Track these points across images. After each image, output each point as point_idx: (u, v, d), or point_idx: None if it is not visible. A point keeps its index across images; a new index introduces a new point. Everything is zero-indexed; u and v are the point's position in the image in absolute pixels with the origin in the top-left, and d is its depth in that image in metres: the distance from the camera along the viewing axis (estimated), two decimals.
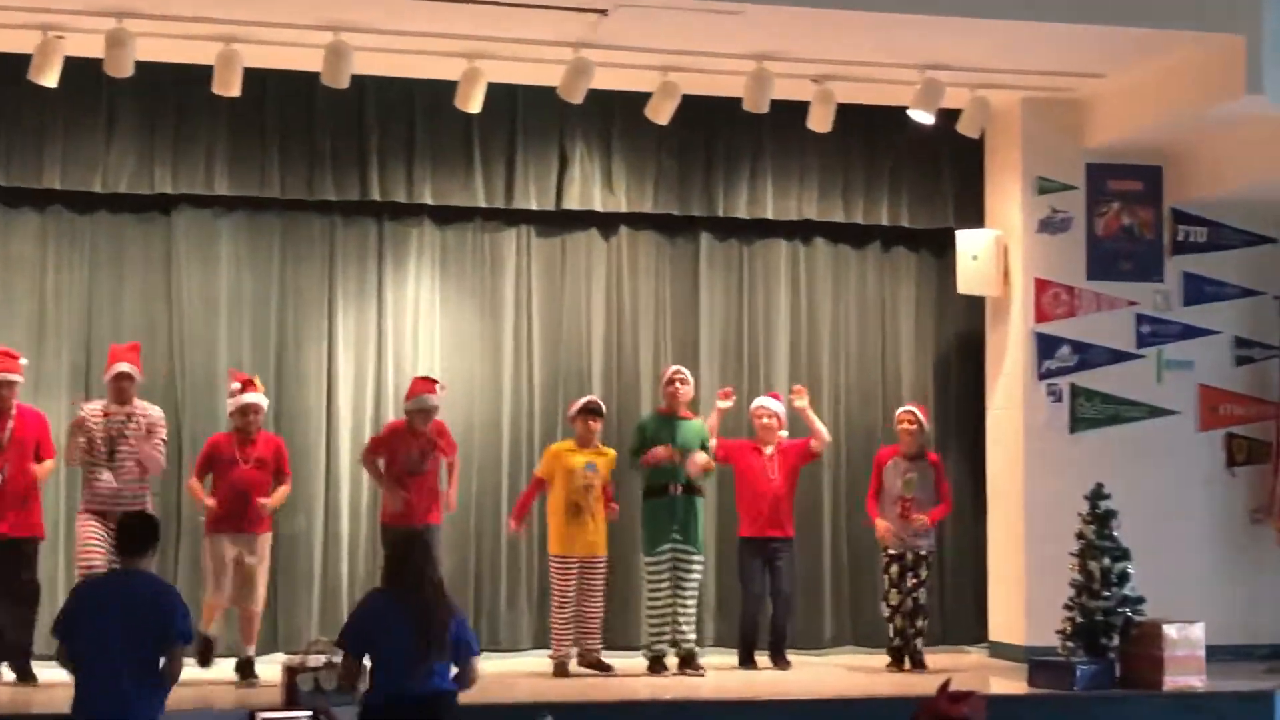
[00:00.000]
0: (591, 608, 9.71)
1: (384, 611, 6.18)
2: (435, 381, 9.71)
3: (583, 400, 9.94)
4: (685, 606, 9.66)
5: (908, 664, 10.19)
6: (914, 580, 10.23)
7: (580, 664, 9.68)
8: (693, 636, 9.72)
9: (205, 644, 9.03)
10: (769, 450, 10.26)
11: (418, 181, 10.71)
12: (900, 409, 10.45)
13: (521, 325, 11.15)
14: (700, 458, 9.79)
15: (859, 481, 11.23)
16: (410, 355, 10.90)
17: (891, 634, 10.29)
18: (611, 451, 9.93)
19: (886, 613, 10.26)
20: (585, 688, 9.18)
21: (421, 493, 9.40)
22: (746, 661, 10.18)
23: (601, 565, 9.73)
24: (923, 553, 10.27)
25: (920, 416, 10.28)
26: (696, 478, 9.79)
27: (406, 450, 9.38)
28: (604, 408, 10.01)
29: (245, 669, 9.20)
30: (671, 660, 9.72)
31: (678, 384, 9.81)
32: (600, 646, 9.82)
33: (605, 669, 9.66)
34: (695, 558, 9.72)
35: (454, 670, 6.28)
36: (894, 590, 10.24)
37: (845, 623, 11.42)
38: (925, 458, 10.31)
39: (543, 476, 9.79)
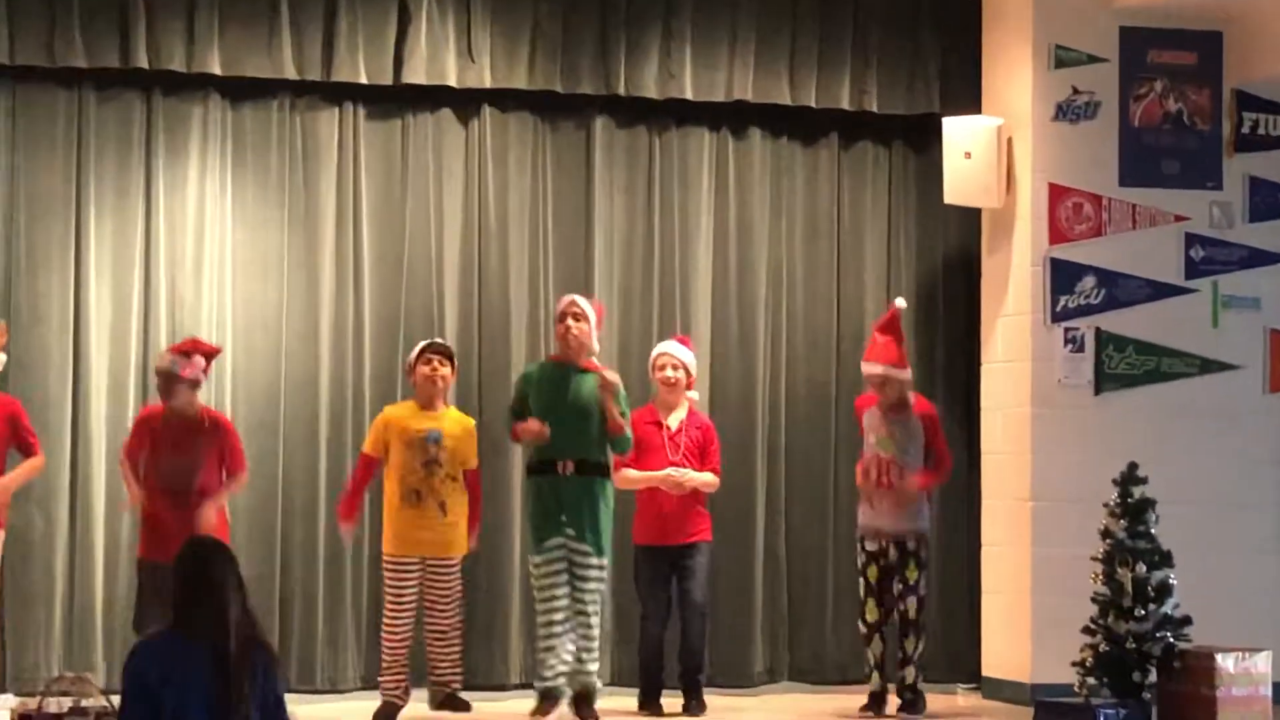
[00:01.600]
0: (442, 624, 9.79)
1: (171, 658, 5.95)
2: (199, 344, 9.77)
3: (423, 343, 9.99)
4: (586, 624, 9.76)
5: (892, 708, 10.25)
6: (900, 586, 10.26)
7: (431, 705, 9.78)
8: (593, 668, 9.81)
9: None
10: (673, 420, 10.32)
11: (201, 44, 10.81)
12: (864, 365, 10.53)
13: (345, 241, 11.21)
14: (612, 379, 9.79)
15: (802, 459, 11.60)
16: (190, 282, 10.94)
17: (870, 663, 10.35)
18: (466, 419, 10.03)
19: (864, 631, 10.35)
20: None
21: (184, 512, 9.33)
22: (649, 703, 10.27)
23: (453, 570, 9.81)
24: (910, 545, 10.29)
25: (887, 372, 10.34)
26: (609, 394, 9.71)
27: (167, 451, 9.42)
28: (451, 350, 10.08)
29: None
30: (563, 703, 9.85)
31: (570, 321, 9.83)
32: (458, 678, 9.92)
33: (461, 707, 9.77)
34: (593, 560, 9.74)
35: None
36: (871, 601, 10.29)
37: (781, 652, 11.62)
38: (910, 408, 10.36)
39: (372, 454, 9.86)
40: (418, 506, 9.70)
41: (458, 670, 9.90)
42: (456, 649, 9.87)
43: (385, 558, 9.86)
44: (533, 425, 9.65)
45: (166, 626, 5.97)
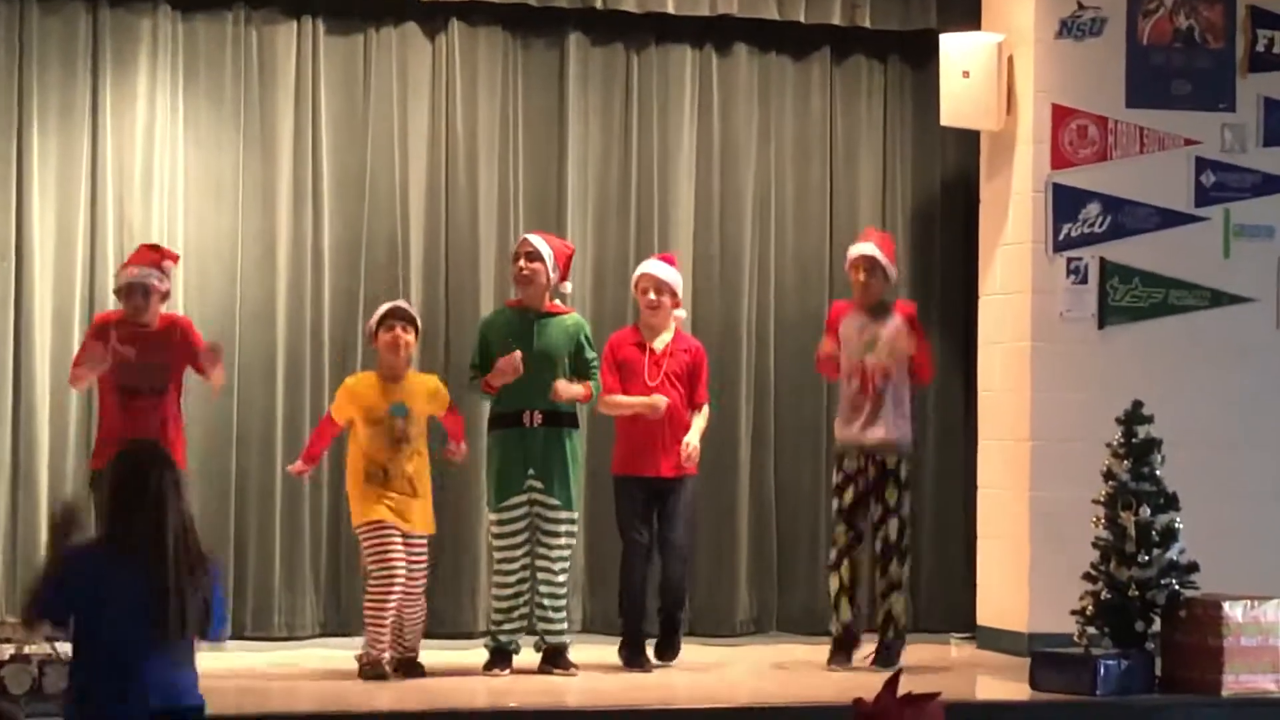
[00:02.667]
0: (412, 596, 9.79)
1: (99, 575, 5.94)
2: (162, 251, 9.77)
3: (384, 307, 9.90)
4: (552, 582, 9.84)
5: (862, 658, 10.13)
6: (880, 509, 10.16)
7: (391, 668, 9.77)
8: (563, 624, 9.94)
9: None
10: (658, 342, 10.21)
11: None
12: (852, 248, 10.44)
13: (304, 162, 11.15)
14: (571, 389, 9.82)
15: (791, 394, 11.59)
16: (139, 206, 10.88)
17: (836, 607, 10.21)
18: (428, 379, 10.03)
19: (830, 560, 10.29)
20: (401, 693, 9.37)
21: (148, 421, 9.32)
22: (633, 655, 10.10)
23: (424, 548, 9.83)
24: (891, 464, 10.17)
25: (879, 256, 10.28)
26: (568, 402, 9.88)
27: (124, 356, 9.45)
28: (414, 314, 9.99)
29: None
30: (531, 654, 9.96)
31: (523, 260, 9.85)
32: (416, 646, 9.95)
33: (419, 673, 9.81)
34: (563, 515, 9.84)
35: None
36: (841, 527, 10.20)
37: (768, 600, 11.61)
38: (893, 311, 10.30)
39: (339, 420, 9.91)
40: (385, 484, 9.67)
41: (419, 638, 9.91)
42: (422, 620, 9.90)
43: (361, 527, 9.73)
44: (504, 363, 9.63)
45: (99, 538, 6.02)
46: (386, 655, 9.64)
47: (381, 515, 9.60)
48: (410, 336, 9.75)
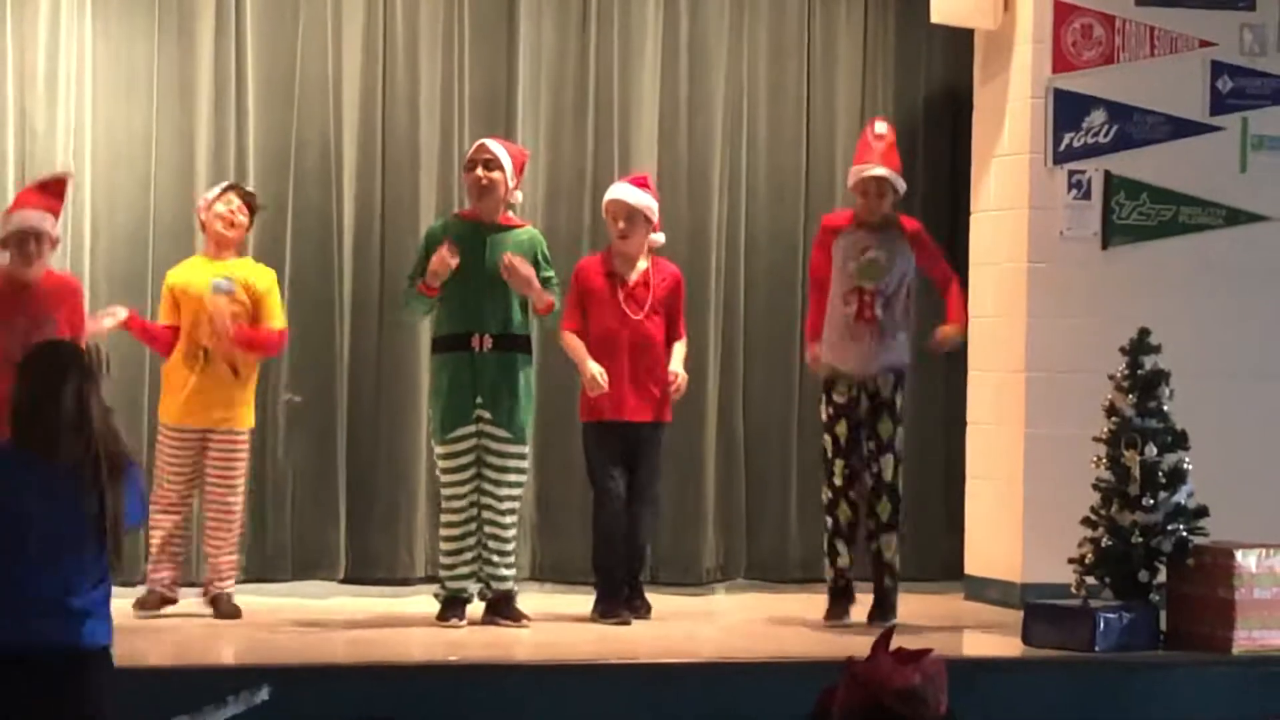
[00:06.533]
0: (218, 514, 9.94)
1: (8, 476, 6.05)
2: (59, 184, 9.67)
3: (225, 183, 10.17)
4: (498, 523, 9.83)
5: (855, 612, 10.11)
6: (873, 444, 10.14)
7: (206, 602, 10.03)
8: (510, 570, 9.95)
9: None
10: (632, 273, 10.21)
11: None
12: (859, 168, 10.25)
13: (226, 57, 11.07)
14: (529, 270, 9.73)
15: (763, 321, 11.56)
16: (42, 107, 10.79)
17: (831, 550, 10.18)
18: (265, 270, 10.13)
19: (824, 500, 10.23)
20: (323, 643, 9.39)
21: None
22: (609, 607, 10.09)
23: (241, 444, 10.00)
24: (886, 393, 10.15)
25: (890, 176, 10.19)
26: (524, 290, 9.79)
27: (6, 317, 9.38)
28: (257, 200, 10.17)
29: None
30: (476, 604, 9.98)
31: (480, 168, 9.83)
32: (230, 580, 10.06)
33: (234, 614, 9.95)
34: (512, 449, 9.82)
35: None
36: (840, 463, 10.14)
37: (736, 546, 11.68)
38: (897, 226, 10.25)
39: (167, 323, 10.08)
40: (206, 369, 9.86)
41: (230, 569, 10.05)
42: (233, 540, 10.05)
43: (163, 427, 9.96)
44: (436, 261, 9.64)
45: (7, 439, 6.05)
46: (169, 582, 9.85)
47: (184, 419, 9.88)
48: (245, 219, 9.99)
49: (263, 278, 10.04)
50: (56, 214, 9.50)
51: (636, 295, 10.17)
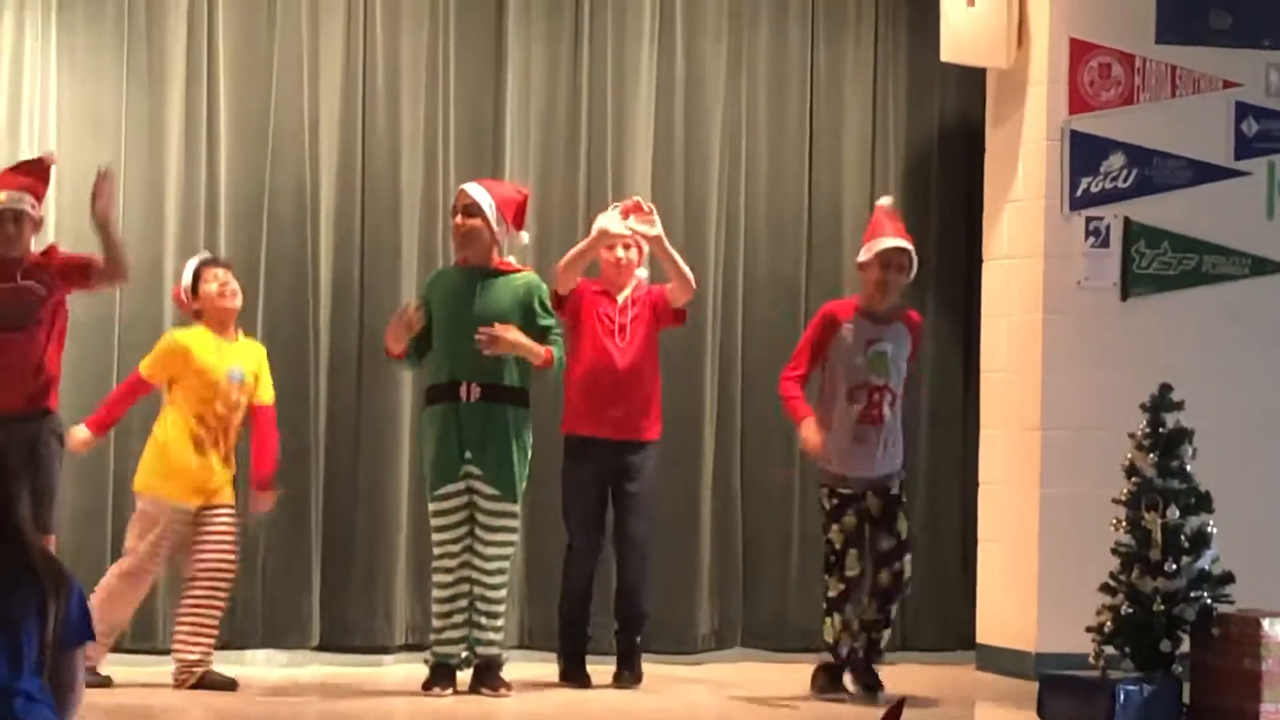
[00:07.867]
0: (211, 586, 9.88)
1: None
2: (41, 165, 9.69)
3: (196, 258, 10.16)
4: (485, 584, 9.84)
5: (850, 684, 10.07)
6: (891, 542, 10.02)
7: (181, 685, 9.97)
8: (497, 635, 9.95)
9: None
10: (620, 297, 10.33)
11: None
12: (877, 241, 10.10)
13: (198, 98, 11.12)
14: (517, 337, 9.73)
15: (762, 373, 11.41)
16: (4, 147, 10.84)
17: (832, 635, 10.05)
18: (257, 346, 10.18)
19: (834, 594, 10.03)
20: (294, 715, 9.41)
21: (7, 365, 9.38)
22: (574, 671, 10.20)
23: (230, 517, 9.99)
24: (894, 490, 10.10)
25: (911, 249, 10.16)
26: (513, 352, 9.80)
27: None
28: (228, 261, 10.18)
29: None
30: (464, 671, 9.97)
31: (459, 215, 9.90)
32: (209, 650, 9.96)
33: (227, 686, 9.89)
34: (500, 507, 9.81)
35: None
36: (854, 554, 10.00)
37: (732, 612, 11.68)
38: (903, 318, 10.21)
39: (149, 379, 10.04)
40: (204, 456, 9.89)
41: (209, 640, 9.97)
42: (215, 615, 10.00)
43: (146, 496, 9.90)
44: (395, 316, 9.78)
45: None
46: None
47: (173, 495, 9.85)
48: (238, 285, 9.99)
49: (257, 354, 10.05)
50: (39, 195, 9.51)
51: (627, 317, 10.23)
